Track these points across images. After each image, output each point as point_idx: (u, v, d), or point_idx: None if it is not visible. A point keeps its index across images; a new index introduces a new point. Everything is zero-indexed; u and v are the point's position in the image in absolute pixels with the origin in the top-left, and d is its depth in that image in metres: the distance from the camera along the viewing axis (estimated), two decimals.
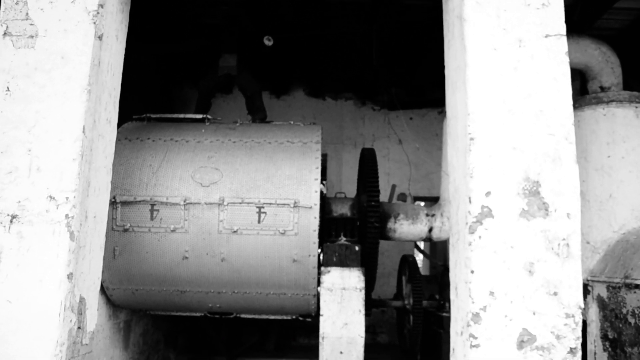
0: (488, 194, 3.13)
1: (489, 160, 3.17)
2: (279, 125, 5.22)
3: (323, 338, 4.26)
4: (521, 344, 3.04)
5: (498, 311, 3.04)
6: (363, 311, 4.25)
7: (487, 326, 3.03)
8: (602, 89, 5.50)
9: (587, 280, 4.96)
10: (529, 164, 3.18)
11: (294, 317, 5.03)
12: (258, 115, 5.99)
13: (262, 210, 4.37)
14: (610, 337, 4.57)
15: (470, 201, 3.14)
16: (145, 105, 5.51)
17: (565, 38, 3.36)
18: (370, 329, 8.22)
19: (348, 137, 8.93)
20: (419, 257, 12.56)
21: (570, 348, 3.07)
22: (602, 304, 4.74)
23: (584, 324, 5.00)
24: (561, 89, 3.30)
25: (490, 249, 3.08)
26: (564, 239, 3.12)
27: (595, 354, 4.82)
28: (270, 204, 4.37)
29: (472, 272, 3.09)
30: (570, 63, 5.79)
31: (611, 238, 4.89)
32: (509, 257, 3.08)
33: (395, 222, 5.07)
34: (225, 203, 4.36)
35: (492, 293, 3.05)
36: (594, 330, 4.85)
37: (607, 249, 4.88)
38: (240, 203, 4.36)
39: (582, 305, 3.11)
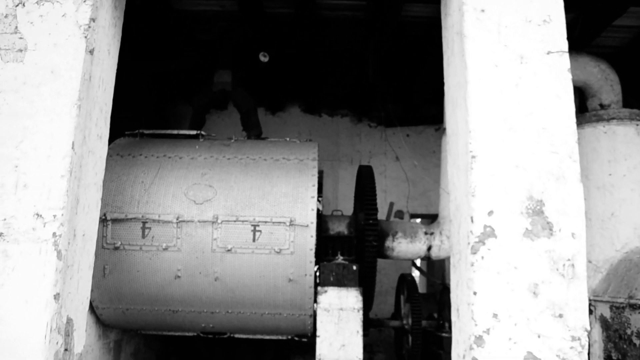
0: (490, 213, 3.05)
1: (491, 179, 3.09)
2: (275, 142, 5.15)
3: None
4: None
5: (502, 334, 2.94)
6: (361, 332, 4.13)
7: (491, 349, 2.93)
8: (602, 106, 5.47)
9: (590, 300, 4.86)
10: (532, 183, 3.10)
11: (289, 337, 4.91)
12: (253, 131, 5.92)
13: (257, 228, 4.27)
14: (614, 358, 4.47)
15: (472, 220, 3.06)
16: (139, 122, 5.43)
17: (567, 55, 3.31)
18: (367, 348, 8.06)
19: (344, 153, 8.85)
20: (416, 275, 12.46)
21: None
22: (605, 325, 4.65)
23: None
24: (564, 106, 3.24)
25: (494, 270, 2.99)
26: (569, 260, 3.04)
27: None
28: (265, 222, 4.28)
29: (475, 293, 2.99)
30: None
31: (614, 257, 4.81)
32: (512, 278, 2.99)
33: (393, 241, 4.98)
34: (219, 221, 4.26)
35: (495, 315, 2.96)
36: (596, 351, 4.74)
37: (609, 268, 4.80)
38: (234, 221, 4.26)
39: (589, 328, 3.01)
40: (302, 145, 4.96)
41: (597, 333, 4.75)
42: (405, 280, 5.59)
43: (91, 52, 3.45)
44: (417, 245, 4.93)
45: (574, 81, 5.55)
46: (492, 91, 3.22)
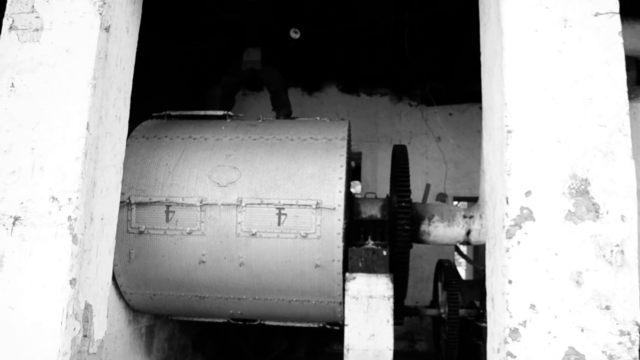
0: (528, 193, 2.81)
1: (529, 156, 2.84)
2: (303, 122, 4.99)
3: (348, 350, 3.99)
4: None
5: (540, 327, 2.71)
6: (391, 321, 3.96)
7: (527, 344, 2.71)
8: None
9: None
10: (576, 160, 2.83)
11: (320, 325, 4.79)
12: (283, 111, 5.78)
13: (282, 211, 4.14)
14: None
15: (507, 202, 2.82)
16: (174, 105, 5.38)
17: (618, 16, 2.99)
18: (407, 336, 7.92)
19: (383, 134, 8.61)
20: (462, 261, 12.11)
21: None
22: None
23: None
24: (614, 75, 2.94)
25: (531, 256, 2.76)
26: (617, 245, 2.77)
27: None
28: (291, 205, 4.14)
29: (510, 282, 2.77)
30: (626, 50, 5.36)
31: None
32: (552, 266, 2.75)
33: (429, 225, 4.75)
34: (243, 204, 4.15)
35: (533, 306, 2.73)
36: None
37: None
38: (259, 204, 4.15)
39: None
40: (331, 124, 4.79)
41: None
42: (443, 267, 5.36)
43: (107, 29, 3.38)
44: (455, 229, 4.68)
45: (629, 50, 5.18)
46: (531, 58, 2.96)
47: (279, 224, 4.16)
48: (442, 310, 5.17)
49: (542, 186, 2.81)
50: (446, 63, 7.68)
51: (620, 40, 2.95)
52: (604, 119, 2.88)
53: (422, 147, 8.37)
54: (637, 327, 2.74)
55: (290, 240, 4.15)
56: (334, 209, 4.07)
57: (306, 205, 4.13)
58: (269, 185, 4.20)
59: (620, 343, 2.72)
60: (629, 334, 2.73)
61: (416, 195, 6.68)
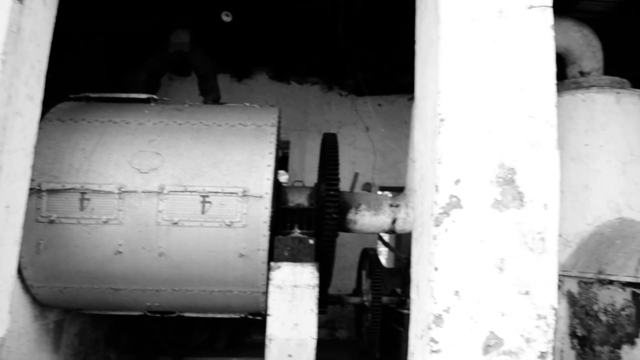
0: (457, 182, 2.85)
1: (460, 145, 2.88)
2: (232, 107, 4.85)
3: (270, 340, 3.94)
4: (487, 349, 2.78)
5: (463, 313, 2.77)
6: (316, 310, 3.94)
7: (450, 330, 2.76)
8: (582, 74, 5.31)
9: (559, 275, 4.77)
10: (505, 149, 2.91)
11: (242, 315, 4.69)
12: (211, 96, 5.60)
13: (207, 199, 4.00)
14: (580, 334, 4.40)
15: (437, 190, 2.85)
16: (95, 87, 5.04)
17: (550, 10, 3.07)
18: (329, 325, 7.97)
19: (313, 123, 8.58)
20: (383, 250, 12.36)
21: (541, 352, 2.83)
22: (572, 300, 4.57)
23: None
24: (544, 66, 3.02)
25: (458, 244, 2.80)
26: (539, 233, 2.87)
27: (562, 351, 4.65)
28: (216, 192, 4.01)
29: (436, 269, 2.80)
30: None
31: (585, 231, 4.71)
32: (477, 253, 2.81)
33: (356, 213, 4.76)
34: (165, 191, 3.98)
35: (457, 293, 2.78)
36: (562, 327, 4.68)
37: (580, 242, 4.70)
38: (182, 191, 3.99)
39: (556, 306, 2.87)
40: (261, 111, 4.68)
41: (564, 309, 4.68)
42: (368, 255, 5.41)
43: (20, 0, 3.10)
44: (382, 218, 4.72)
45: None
46: (466, 48, 2.98)
47: (202, 212, 4.02)
48: (365, 298, 5.20)
49: (471, 175, 2.85)
50: (381, 53, 7.72)
51: (552, 33, 3.03)
52: (533, 110, 2.97)
53: (351, 137, 8.41)
54: (553, 311, 2.86)
55: (214, 229, 4.02)
56: (261, 197, 3.99)
57: (232, 192, 4.01)
58: (194, 172, 4.04)
59: (537, 327, 2.83)
60: (545, 317, 2.84)
61: (344, 185, 6.71)
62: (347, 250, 7.93)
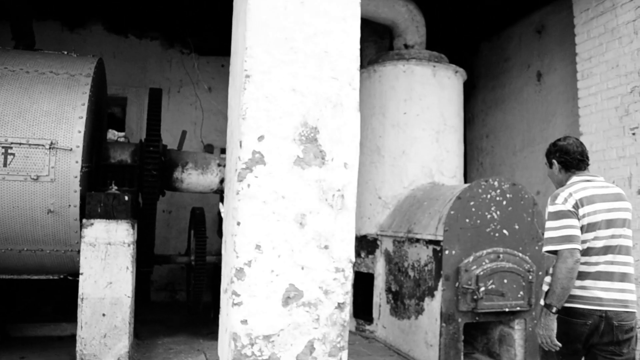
0: (261, 138, 2.90)
1: (264, 102, 2.92)
2: (45, 54, 4.45)
3: (82, 300, 3.77)
4: (287, 301, 2.92)
5: (264, 266, 2.86)
6: (131, 268, 3.83)
7: (251, 282, 2.84)
8: (407, 46, 5.65)
9: (377, 235, 5.13)
10: (308, 108, 3.01)
11: (60, 276, 4.43)
12: (24, 41, 5.08)
13: (10, 151, 3.67)
14: (393, 289, 4.78)
15: (241, 145, 2.88)
16: None
17: None
18: (169, 287, 7.86)
19: (152, 81, 8.17)
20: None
21: (339, 303, 3.03)
22: (388, 258, 4.93)
23: (372, 277, 5.21)
24: (349, 31, 3.16)
25: (260, 199, 2.87)
26: (339, 190, 3.03)
27: (380, 306, 5.03)
28: (20, 143, 3.69)
29: (239, 223, 2.86)
30: (378, 18, 5.87)
31: (401, 194, 5.09)
32: (279, 208, 2.90)
33: (182, 172, 4.68)
34: None
35: (258, 247, 2.86)
36: (380, 283, 5.05)
37: (396, 204, 5.07)
38: None
39: (353, 259, 3.08)
40: (77, 60, 4.35)
41: (382, 266, 5.04)
42: (194, 214, 5.37)
43: None
44: (209, 177, 4.70)
45: (382, 19, 5.70)
46: (274, 6, 3.01)
47: (5, 164, 3.68)
48: (192, 258, 5.19)
49: (275, 132, 2.92)
50: (226, 12, 7.51)
51: (359, 0, 3.16)
52: (337, 72, 3.09)
53: (193, 97, 8.17)
54: (350, 265, 3.07)
55: (18, 183, 3.71)
56: (71, 150, 3.74)
57: (38, 145, 3.72)
58: None
59: (335, 279, 3.02)
60: (343, 270, 3.04)
61: (186, 146, 6.57)
62: (187, 212, 7.81)
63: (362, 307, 5.34)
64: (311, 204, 2.97)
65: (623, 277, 2.64)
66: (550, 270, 2.67)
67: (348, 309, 3.08)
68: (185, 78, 8.22)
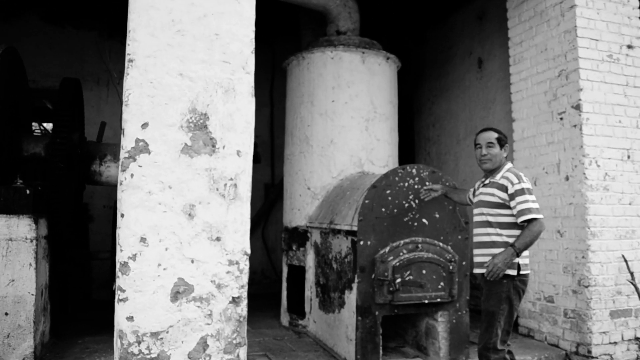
0: (145, 125, 2.79)
1: (149, 87, 2.81)
2: None
3: None
4: (176, 296, 2.82)
5: (150, 260, 2.76)
6: (35, 265, 3.68)
7: (136, 277, 2.74)
8: (339, 33, 5.55)
9: (307, 227, 5.04)
10: (197, 94, 2.91)
11: None
12: None
13: None
14: (322, 282, 4.71)
15: (123, 134, 2.76)
16: None
17: None
18: (110, 284, 7.69)
19: (90, 72, 7.95)
20: None
21: (233, 297, 2.95)
22: (317, 250, 4.86)
23: (303, 270, 5.13)
24: (243, 13, 3.07)
25: (144, 190, 2.77)
26: (231, 179, 2.95)
27: (311, 300, 4.96)
28: None
29: (122, 215, 2.75)
30: (309, 4, 5.76)
31: (330, 184, 5.01)
32: (166, 199, 2.80)
33: (100, 165, 4.54)
34: None
35: (144, 239, 2.76)
36: (310, 276, 4.97)
37: (325, 195, 4.99)
38: None
39: (249, 252, 2.99)
40: None
41: (312, 259, 4.96)
42: (116, 209, 5.21)
43: None
44: None
45: (314, 4, 5.60)
46: None
47: None
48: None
49: (160, 119, 2.81)
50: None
51: None
52: (228, 55, 3.00)
53: None
54: (245, 257, 2.98)
55: None
56: None
57: None
58: None
59: (228, 272, 2.93)
60: (237, 263, 2.95)
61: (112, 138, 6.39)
62: None
63: (296, 301, 5.26)
64: (201, 194, 2.87)
65: None
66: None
67: (245, 303, 3.00)
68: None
